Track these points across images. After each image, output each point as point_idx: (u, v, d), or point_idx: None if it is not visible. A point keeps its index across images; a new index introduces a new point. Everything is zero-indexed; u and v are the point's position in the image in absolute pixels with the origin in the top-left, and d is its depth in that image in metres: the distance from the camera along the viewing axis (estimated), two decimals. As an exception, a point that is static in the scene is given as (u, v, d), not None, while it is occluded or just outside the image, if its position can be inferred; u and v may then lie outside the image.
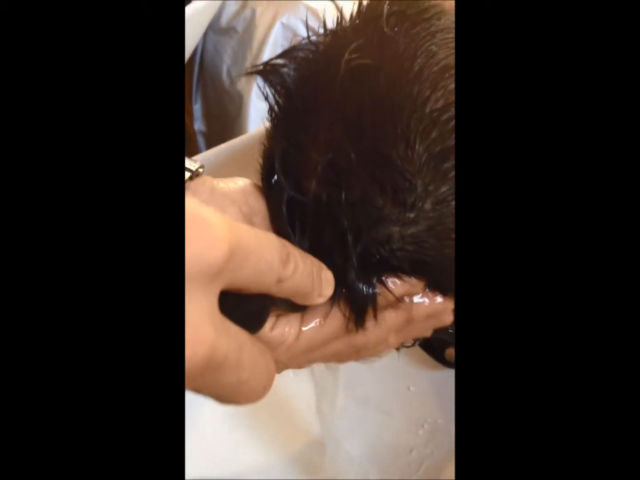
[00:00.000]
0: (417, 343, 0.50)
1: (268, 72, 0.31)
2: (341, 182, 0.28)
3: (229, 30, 0.85)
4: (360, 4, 0.31)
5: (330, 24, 0.31)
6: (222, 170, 0.51)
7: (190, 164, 0.30)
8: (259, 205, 0.31)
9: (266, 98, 0.31)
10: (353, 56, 0.28)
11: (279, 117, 0.31)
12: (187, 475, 0.38)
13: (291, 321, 0.30)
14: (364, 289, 0.29)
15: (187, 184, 0.30)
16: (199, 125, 0.92)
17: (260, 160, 0.32)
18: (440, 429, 0.50)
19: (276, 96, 0.31)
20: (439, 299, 0.32)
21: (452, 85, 0.27)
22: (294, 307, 0.29)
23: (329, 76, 0.29)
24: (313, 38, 0.31)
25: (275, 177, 0.30)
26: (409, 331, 0.32)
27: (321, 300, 0.28)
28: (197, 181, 0.30)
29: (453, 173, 0.28)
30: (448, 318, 0.33)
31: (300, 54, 0.31)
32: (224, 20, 0.85)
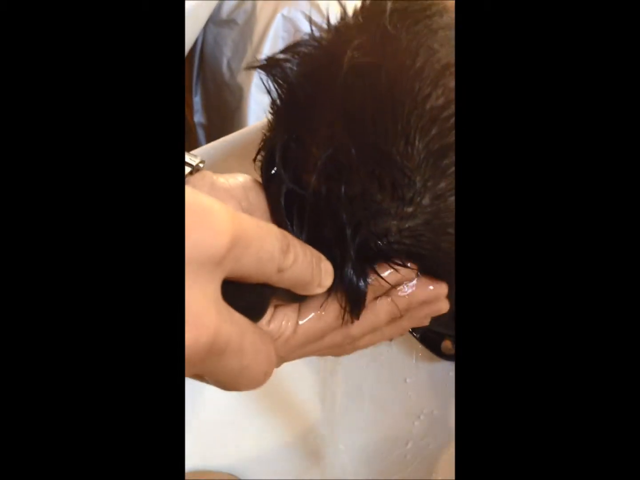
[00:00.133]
0: (416, 335, 0.51)
1: (271, 66, 0.31)
2: (341, 177, 0.28)
3: (230, 22, 0.85)
4: (363, 0, 0.31)
5: (333, 18, 0.32)
6: (221, 164, 0.51)
7: (190, 158, 0.30)
8: (259, 201, 0.31)
9: (268, 92, 0.31)
10: (355, 54, 0.28)
11: (281, 111, 0.31)
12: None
13: (288, 314, 0.30)
14: (359, 280, 0.30)
15: (187, 179, 0.30)
16: (198, 117, 0.92)
17: (261, 150, 0.32)
18: (436, 420, 0.50)
19: (278, 90, 0.31)
20: (432, 285, 0.32)
21: (453, 83, 0.28)
22: (294, 297, 0.29)
23: (331, 72, 0.29)
24: (316, 34, 0.31)
25: (275, 169, 0.30)
26: (405, 320, 0.33)
27: (320, 290, 0.29)
28: (197, 176, 0.30)
29: (451, 169, 0.28)
30: (443, 304, 0.33)
31: (303, 49, 0.31)
32: (224, 12, 0.85)
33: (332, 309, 0.30)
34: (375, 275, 0.30)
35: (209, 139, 0.89)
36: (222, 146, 0.54)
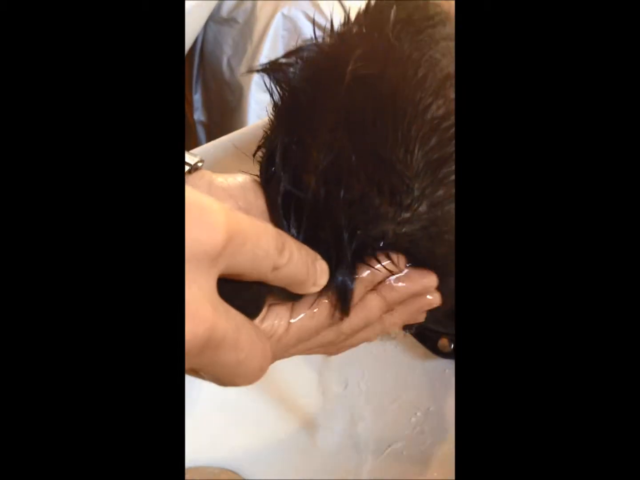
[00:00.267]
0: (412, 332, 0.51)
1: (274, 70, 0.31)
2: (341, 181, 0.29)
3: (230, 20, 0.85)
4: (367, 5, 0.31)
5: (336, 21, 0.31)
6: (220, 163, 0.51)
7: (189, 157, 0.30)
8: (257, 201, 0.31)
9: (271, 94, 0.31)
10: (358, 64, 0.28)
11: (282, 113, 0.32)
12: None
13: (280, 313, 0.30)
14: (349, 277, 0.30)
15: (185, 178, 0.30)
16: (198, 115, 0.92)
17: (261, 147, 0.32)
18: (432, 416, 0.51)
19: (280, 93, 0.31)
20: (422, 277, 0.32)
21: (454, 94, 0.28)
22: (289, 296, 0.29)
23: (334, 78, 0.29)
24: (319, 36, 0.31)
25: (274, 168, 0.30)
26: (397, 314, 0.33)
27: (316, 289, 0.29)
28: (195, 175, 0.30)
29: (449, 178, 0.28)
30: (435, 297, 0.33)
31: (306, 54, 0.31)
32: (225, 10, 0.85)
33: (324, 307, 0.30)
34: (364, 269, 0.30)
35: (209, 137, 0.89)
36: (222, 145, 0.54)
